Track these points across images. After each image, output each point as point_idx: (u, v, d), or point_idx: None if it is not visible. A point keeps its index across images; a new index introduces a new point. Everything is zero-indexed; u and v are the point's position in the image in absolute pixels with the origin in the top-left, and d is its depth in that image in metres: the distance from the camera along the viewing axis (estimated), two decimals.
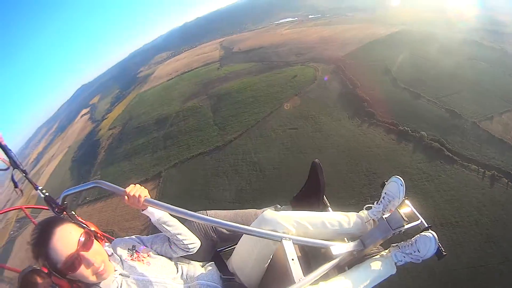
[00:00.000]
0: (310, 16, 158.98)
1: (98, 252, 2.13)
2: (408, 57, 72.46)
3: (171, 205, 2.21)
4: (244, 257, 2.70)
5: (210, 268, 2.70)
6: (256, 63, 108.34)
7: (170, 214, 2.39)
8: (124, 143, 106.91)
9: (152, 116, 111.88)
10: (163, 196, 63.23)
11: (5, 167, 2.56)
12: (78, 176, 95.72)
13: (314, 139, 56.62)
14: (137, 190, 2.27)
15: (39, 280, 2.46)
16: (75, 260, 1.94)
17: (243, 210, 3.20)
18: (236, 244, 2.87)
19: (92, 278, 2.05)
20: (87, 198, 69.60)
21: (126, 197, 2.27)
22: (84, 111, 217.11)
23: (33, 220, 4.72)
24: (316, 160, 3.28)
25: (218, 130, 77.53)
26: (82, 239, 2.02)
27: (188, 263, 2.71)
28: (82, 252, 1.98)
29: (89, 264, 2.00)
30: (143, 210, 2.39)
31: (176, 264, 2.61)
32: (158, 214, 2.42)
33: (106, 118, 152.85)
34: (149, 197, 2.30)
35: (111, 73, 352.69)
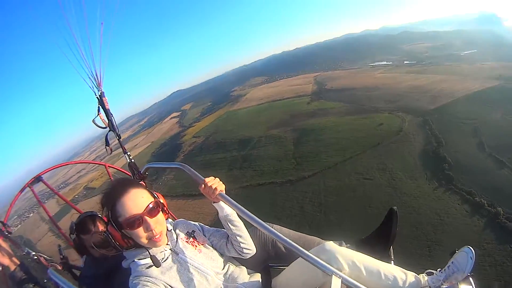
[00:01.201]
0: (405, 62, 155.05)
1: (160, 222, 2.26)
2: (500, 118, 66.81)
3: (243, 207, 2.31)
4: (291, 279, 2.71)
5: (255, 278, 2.70)
6: (345, 104, 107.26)
7: (238, 214, 2.45)
8: (204, 154, 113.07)
9: (236, 135, 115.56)
10: None
11: (104, 126, 3.01)
12: (152, 170, 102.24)
13: (385, 194, 54.92)
14: (215, 183, 2.41)
15: (95, 224, 3.25)
16: (137, 220, 2.10)
17: (307, 235, 3.18)
18: (288, 265, 2.85)
19: (144, 241, 2.19)
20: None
21: (203, 185, 2.42)
22: (175, 114, 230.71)
23: (112, 178, 5.13)
24: (395, 207, 3.13)
25: (295, 164, 78.23)
26: (151, 206, 2.17)
27: (236, 265, 2.74)
28: (146, 216, 2.13)
29: (147, 229, 2.14)
30: (214, 202, 2.50)
31: (225, 262, 2.66)
32: (227, 210, 2.51)
33: (193, 126, 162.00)
34: (224, 192, 2.42)
35: (207, 85, 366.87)
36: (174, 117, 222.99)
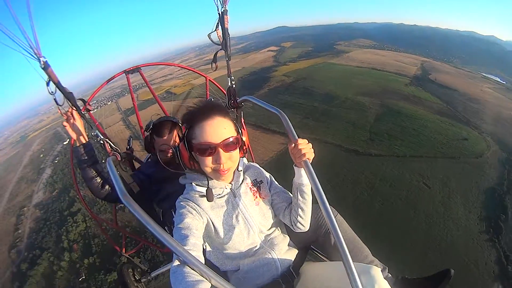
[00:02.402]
0: None
1: (233, 159, 2.12)
2: None
3: (320, 186, 1.90)
4: (320, 275, 2.40)
5: (290, 253, 2.45)
6: (441, 103, 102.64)
7: (312, 189, 1.99)
8: (287, 94, 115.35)
9: (324, 87, 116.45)
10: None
11: (218, 43, 3.01)
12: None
13: (434, 209, 53.23)
14: (306, 148, 2.14)
15: (171, 131, 3.46)
16: (209, 149, 2.00)
17: (360, 241, 2.74)
18: (327, 259, 2.76)
19: (209, 170, 2.10)
20: None
21: (294, 145, 2.17)
22: (273, 48, 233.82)
23: (208, 93, 5.11)
24: (453, 271, 2.40)
25: (368, 138, 79.01)
26: (230, 140, 2.04)
27: (282, 232, 2.56)
28: (220, 148, 2.00)
29: (217, 161, 2.02)
30: (295, 166, 2.28)
31: (274, 224, 2.48)
32: (304, 180, 2.26)
33: (287, 65, 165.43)
34: (310, 162, 2.11)
35: (314, 30, 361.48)
36: (271, 50, 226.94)
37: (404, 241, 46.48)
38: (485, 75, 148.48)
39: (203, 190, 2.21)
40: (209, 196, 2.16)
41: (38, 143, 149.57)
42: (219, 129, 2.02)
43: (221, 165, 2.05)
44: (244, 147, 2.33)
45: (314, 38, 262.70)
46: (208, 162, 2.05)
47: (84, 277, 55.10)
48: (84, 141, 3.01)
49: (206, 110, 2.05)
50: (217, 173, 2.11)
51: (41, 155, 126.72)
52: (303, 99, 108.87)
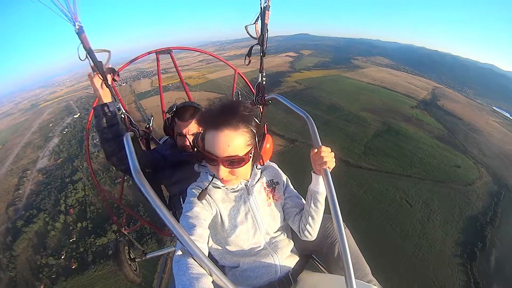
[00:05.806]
0: None
1: (236, 173, 1.98)
2: None
3: (336, 196, 1.88)
4: (316, 287, 2.32)
5: (291, 259, 2.39)
6: (443, 129, 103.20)
7: (328, 198, 1.94)
8: (294, 100, 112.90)
9: (331, 99, 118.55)
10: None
11: (255, 37, 2.88)
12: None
13: (411, 225, 54.14)
14: (328, 157, 2.04)
15: (192, 117, 3.29)
16: (211, 160, 1.90)
17: (363, 259, 2.60)
18: (326, 271, 2.65)
19: (215, 173, 1.98)
20: None
21: (316, 150, 2.10)
22: (292, 53, 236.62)
23: (235, 86, 4.93)
24: None
25: (362, 152, 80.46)
26: (233, 159, 1.89)
27: (287, 237, 2.47)
28: (220, 163, 1.89)
29: (217, 171, 1.93)
30: (314, 172, 2.17)
31: (281, 228, 2.40)
32: (320, 188, 2.15)
33: (300, 72, 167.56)
34: (330, 171, 2.02)
35: (335, 42, 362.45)
36: (289, 56, 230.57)
37: (375, 250, 46.65)
38: (495, 108, 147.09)
39: (216, 181, 2.16)
40: (201, 195, 2.07)
41: (48, 112, 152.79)
42: (223, 144, 1.86)
43: (221, 177, 1.97)
44: (261, 160, 2.17)
45: (333, 50, 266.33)
46: (211, 168, 1.99)
47: (74, 239, 58.17)
48: (106, 101, 2.85)
49: (218, 119, 1.87)
50: (223, 180, 2.05)
51: (50, 125, 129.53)
52: (308, 107, 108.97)
